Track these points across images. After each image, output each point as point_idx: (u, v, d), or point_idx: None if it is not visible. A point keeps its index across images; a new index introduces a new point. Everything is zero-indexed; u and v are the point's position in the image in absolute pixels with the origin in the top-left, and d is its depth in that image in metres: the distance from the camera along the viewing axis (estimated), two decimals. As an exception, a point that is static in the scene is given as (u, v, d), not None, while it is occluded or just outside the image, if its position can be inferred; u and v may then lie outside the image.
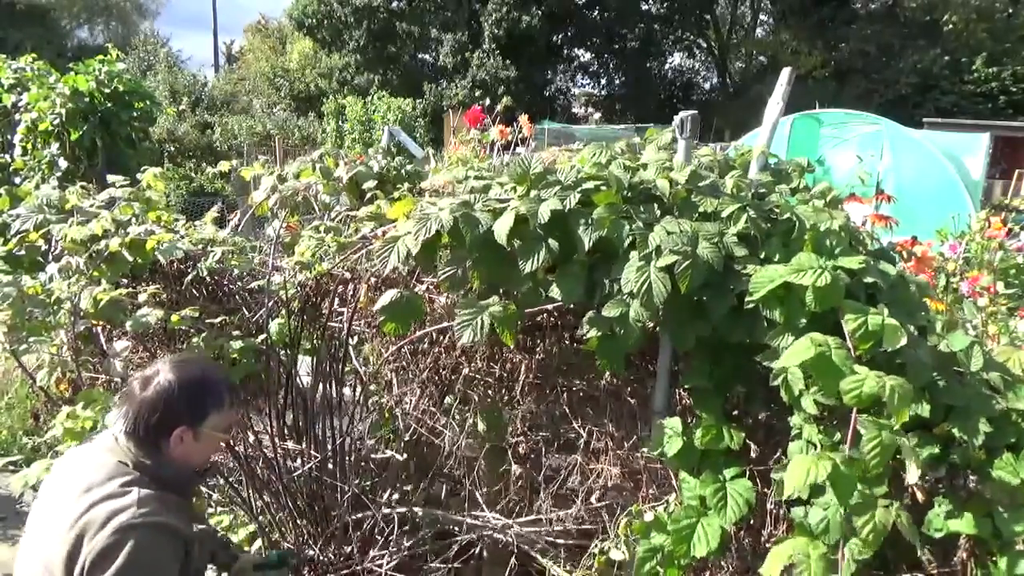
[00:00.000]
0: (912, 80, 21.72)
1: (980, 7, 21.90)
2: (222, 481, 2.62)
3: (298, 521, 2.48)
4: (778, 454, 1.84)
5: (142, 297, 2.33)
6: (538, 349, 2.20)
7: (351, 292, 2.33)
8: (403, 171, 3.16)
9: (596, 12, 27.29)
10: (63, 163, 5.94)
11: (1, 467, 3.59)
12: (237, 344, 2.26)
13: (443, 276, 1.88)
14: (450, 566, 2.31)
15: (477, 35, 23.95)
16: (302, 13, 25.13)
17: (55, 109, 5.92)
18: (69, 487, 1.59)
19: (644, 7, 27.74)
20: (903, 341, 1.50)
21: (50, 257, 2.56)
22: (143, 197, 2.68)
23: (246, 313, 2.49)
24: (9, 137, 6.34)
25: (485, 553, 2.31)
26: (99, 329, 2.49)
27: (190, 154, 15.21)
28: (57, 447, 2.08)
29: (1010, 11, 21.75)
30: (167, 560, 1.54)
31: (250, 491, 2.52)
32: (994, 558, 1.52)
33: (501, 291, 1.90)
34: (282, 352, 2.43)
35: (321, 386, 2.44)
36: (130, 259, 2.33)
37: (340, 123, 14.88)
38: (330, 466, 2.39)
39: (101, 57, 6.37)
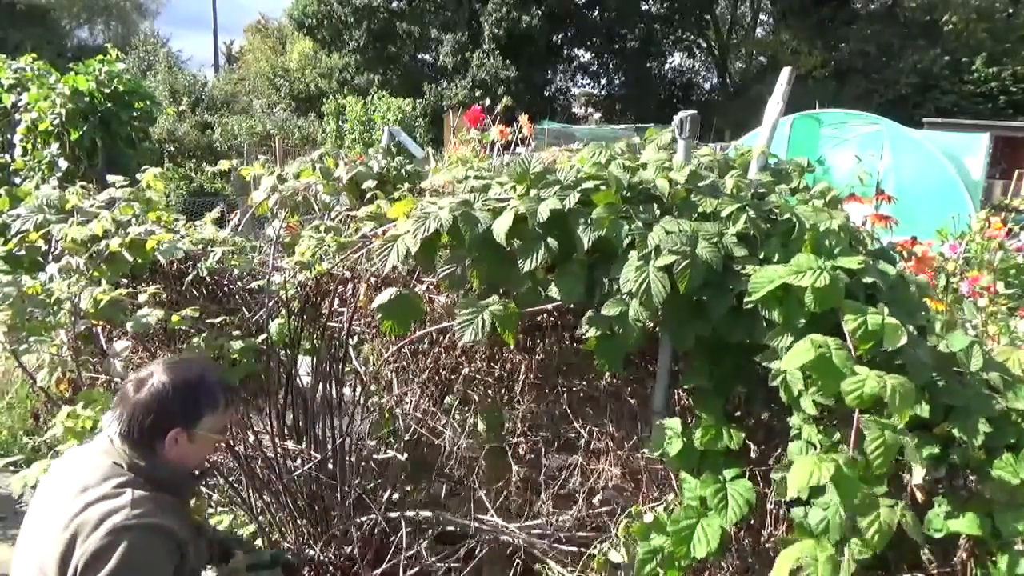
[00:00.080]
0: (912, 80, 21.72)
1: (980, 7, 21.90)
2: (222, 481, 2.62)
3: (298, 521, 2.48)
4: (778, 453, 1.84)
5: (142, 297, 2.33)
6: (538, 349, 2.20)
7: (351, 292, 2.33)
8: (403, 171, 3.16)
9: (596, 12, 27.29)
10: (63, 163, 5.94)
11: (1, 467, 3.59)
12: (237, 344, 2.26)
13: (442, 275, 1.88)
14: (450, 565, 2.31)
15: (477, 35, 23.96)
16: (302, 13, 25.13)
17: (55, 109, 5.92)
18: (64, 488, 1.59)
19: (644, 7, 27.73)
20: (903, 340, 1.50)
21: (50, 257, 2.55)
22: (143, 197, 2.68)
23: (246, 313, 2.49)
24: (9, 137, 6.34)
25: (485, 552, 2.31)
26: (99, 329, 2.49)
27: (190, 154, 15.21)
28: (57, 447, 2.08)
29: (1010, 11, 21.75)
30: (161, 561, 1.54)
31: (250, 491, 2.52)
32: (994, 558, 1.52)
33: (500, 291, 1.90)
34: (282, 352, 2.43)
35: (321, 386, 2.44)
36: (130, 259, 2.33)
37: (340, 123, 14.89)
38: (330, 466, 2.39)
39: (101, 57, 6.37)
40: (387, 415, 2.44)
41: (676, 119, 2.15)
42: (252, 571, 2.03)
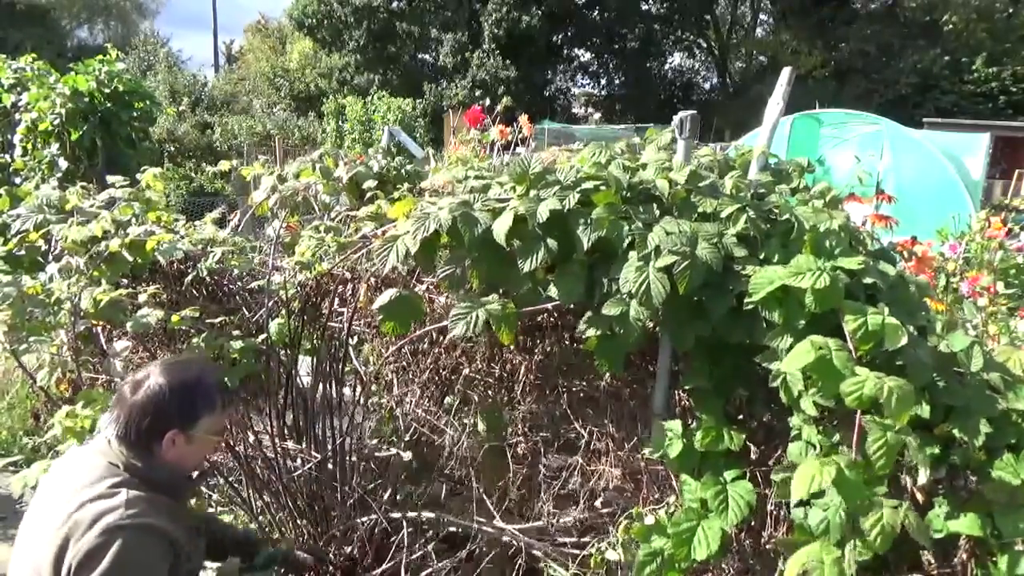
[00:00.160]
0: (912, 80, 21.72)
1: (980, 7, 21.90)
2: (222, 481, 2.62)
3: (298, 521, 2.48)
4: (779, 454, 1.83)
5: (142, 297, 2.33)
6: (538, 349, 2.20)
7: (351, 292, 2.33)
8: (403, 171, 3.16)
9: (596, 12, 27.29)
10: (63, 163, 5.94)
11: (1, 467, 3.59)
12: (237, 344, 2.26)
13: (442, 275, 1.88)
14: (451, 565, 2.31)
15: (477, 35, 23.95)
16: (302, 13, 25.13)
17: (55, 109, 5.91)
18: (60, 488, 1.59)
19: (644, 7, 27.73)
20: (904, 341, 1.50)
21: (50, 257, 2.55)
22: (143, 197, 2.68)
23: (246, 313, 2.49)
24: (9, 137, 6.34)
25: (485, 553, 2.31)
26: (99, 329, 2.49)
27: (190, 154, 15.20)
28: (57, 447, 2.08)
29: (1010, 11, 21.75)
30: (154, 562, 1.53)
31: (250, 491, 2.52)
32: (994, 558, 1.52)
33: (500, 291, 1.90)
34: (282, 352, 2.43)
35: (321, 386, 2.44)
36: (130, 259, 2.33)
37: (340, 123, 14.87)
38: (330, 466, 2.39)
39: (101, 57, 6.36)
40: (387, 415, 2.44)
41: (676, 119, 2.15)
42: (246, 573, 2.02)
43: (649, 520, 1.83)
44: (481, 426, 2.26)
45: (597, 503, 2.13)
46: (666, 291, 1.67)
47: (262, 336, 2.32)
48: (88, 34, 36.08)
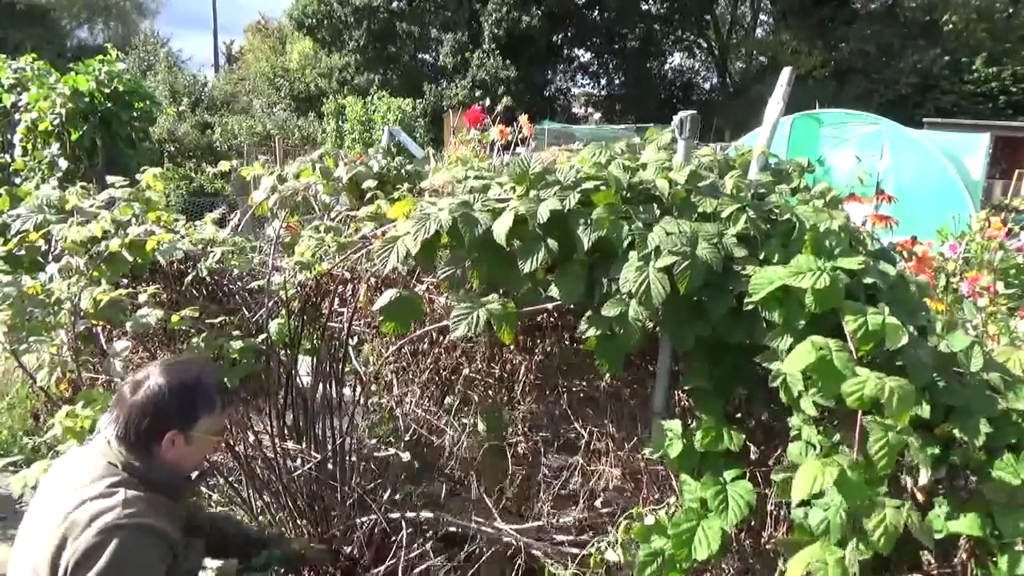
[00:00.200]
0: (912, 80, 21.72)
1: (980, 7, 21.90)
2: (222, 481, 2.62)
3: (298, 521, 2.48)
4: (778, 454, 1.83)
5: (142, 297, 2.33)
6: (538, 349, 2.20)
7: (351, 292, 2.33)
8: (403, 171, 3.16)
9: (596, 12, 27.30)
10: (63, 163, 5.94)
11: (1, 467, 3.59)
12: (237, 344, 2.26)
13: (442, 276, 1.88)
14: (450, 565, 2.31)
15: (477, 35, 23.96)
16: (302, 13, 25.13)
17: (55, 109, 5.92)
18: (59, 488, 1.59)
19: (644, 7, 27.73)
20: (904, 340, 1.50)
21: (50, 257, 2.56)
22: (143, 197, 2.68)
23: (246, 313, 2.49)
24: (9, 137, 6.34)
25: (485, 553, 2.31)
26: (99, 329, 2.49)
27: (190, 154, 15.20)
28: (57, 447, 2.08)
29: (1010, 11, 21.75)
30: (152, 561, 1.53)
31: (250, 491, 2.52)
32: (994, 558, 1.52)
33: (501, 291, 1.90)
34: (282, 352, 2.43)
35: (321, 386, 2.44)
36: (130, 259, 2.33)
37: (340, 123, 14.87)
38: (330, 466, 2.39)
39: (101, 57, 6.37)
40: (387, 415, 2.44)
41: (676, 119, 2.15)
42: (244, 574, 2.02)
43: (649, 520, 1.83)
44: (481, 426, 2.26)
45: (597, 503, 2.13)
46: (666, 291, 1.67)
47: (262, 336, 2.32)
48: (88, 34, 36.13)
